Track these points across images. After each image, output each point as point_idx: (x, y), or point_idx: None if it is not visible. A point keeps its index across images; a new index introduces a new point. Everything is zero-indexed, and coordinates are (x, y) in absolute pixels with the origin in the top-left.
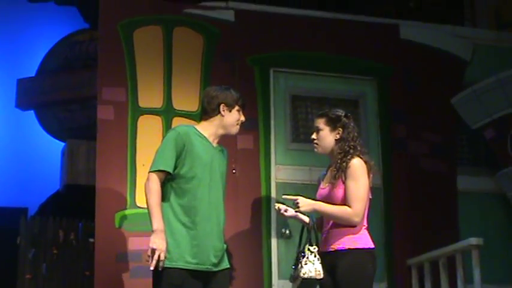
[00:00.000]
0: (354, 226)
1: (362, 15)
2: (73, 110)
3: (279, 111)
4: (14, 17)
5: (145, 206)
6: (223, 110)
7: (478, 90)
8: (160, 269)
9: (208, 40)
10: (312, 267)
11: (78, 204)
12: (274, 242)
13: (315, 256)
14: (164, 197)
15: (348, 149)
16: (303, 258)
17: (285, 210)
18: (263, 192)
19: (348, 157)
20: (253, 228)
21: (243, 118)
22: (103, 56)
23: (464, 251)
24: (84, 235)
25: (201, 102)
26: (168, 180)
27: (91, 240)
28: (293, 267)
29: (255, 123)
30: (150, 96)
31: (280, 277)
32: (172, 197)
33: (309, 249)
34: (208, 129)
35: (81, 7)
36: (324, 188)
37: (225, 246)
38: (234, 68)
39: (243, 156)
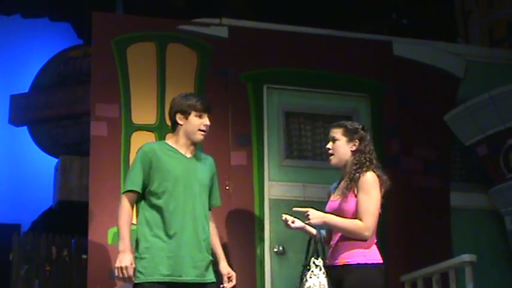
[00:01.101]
0: (364, 240)
1: (355, 32)
2: (66, 126)
3: (273, 128)
4: (7, 33)
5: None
6: (180, 119)
7: (471, 107)
8: (135, 283)
9: (201, 56)
10: (317, 280)
11: (71, 221)
12: (267, 258)
13: (320, 270)
14: (139, 215)
15: (364, 161)
16: (307, 271)
17: (292, 222)
18: (256, 209)
19: (364, 169)
20: (246, 245)
21: (206, 122)
22: (96, 72)
23: (458, 267)
24: (77, 251)
25: None
26: (141, 198)
27: (84, 256)
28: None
29: (249, 139)
30: (143, 112)
31: None
32: (147, 213)
33: (314, 263)
34: (177, 141)
35: (75, 23)
36: (334, 201)
37: (209, 257)
38: (228, 84)
39: (237, 172)
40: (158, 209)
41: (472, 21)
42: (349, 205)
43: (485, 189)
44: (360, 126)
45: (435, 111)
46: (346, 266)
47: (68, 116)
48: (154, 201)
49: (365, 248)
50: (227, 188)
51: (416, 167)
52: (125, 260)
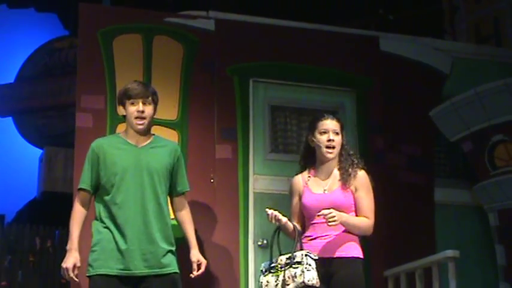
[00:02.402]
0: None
1: (342, 27)
2: (51, 117)
3: (258, 122)
4: None
5: None
6: (121, 111)
7: (456, 103)
8: (86, 276)
9: (188, 49)
10: (315, 274)
11: (55, 212)
12: (251, 251)
13: (314, 264)
14: (95, 209)
15: (354, 158)
16: (299, 264)
17: (275, 216)
18: (241, 202)
19: (356, 166)
20: (230, 238)
21: (139, 108)
22: (82, 64)
23: (441, 263)
24: (60, 243)
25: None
26: (95, 194)
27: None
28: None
29: (234, 133)
30: None
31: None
32: (100, 208)
33: (308, 256)
34: (126, 132)
35: (61, 14)
36: (325, 194)
37: (166, 248)
38: (214, 77)
39: (221, 165)
40: (108, 203)
41: (459, 17)
42: (348, 200)
43: (470, 186)
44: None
45: (421, 107)
46: (340, 259)
47: (53, 107)
48: (104, 195)
49: (357, 243)
50: (212, 181)
51: (401, 163)
52: (68, 260)
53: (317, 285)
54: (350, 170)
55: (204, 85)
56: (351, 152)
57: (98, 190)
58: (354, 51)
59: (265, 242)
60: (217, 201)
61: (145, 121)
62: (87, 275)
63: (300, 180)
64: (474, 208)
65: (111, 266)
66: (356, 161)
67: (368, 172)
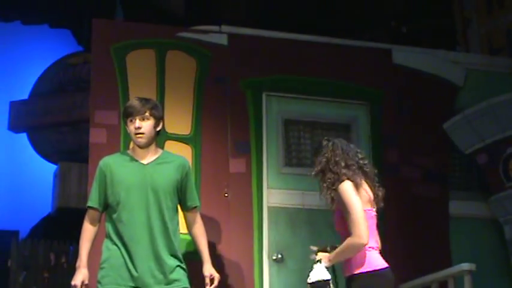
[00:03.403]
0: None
1: (354, 39)
2: (65, 132)
3: (272, 135)
4: (8, 39)
5: None
6: (126, 128)
7: (469, 116)
8: None
9: (201, 63)
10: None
11: (69, 228)
12: (266, 266)
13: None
14: (106, 227)
15: (331, 177)
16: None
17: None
18: (255, 216)
19: (334, 185)
20: (245, 252)
21: (136, 125)
22: (96, 79)
23: (457, 276)
24: (75, 259)
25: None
26: (104, 211)
27: None
28: None
29: (248, 147)
30: None
31: None
32: (108, 225)
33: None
34: (133, 149)
35: (75, 30)
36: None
37: (174, 263)
38: (227, 91)
39: (235, 180)
40: (115, 221)
41: (472, 29)
42: (337, 216)
43: (485, 198)
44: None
45: (434, 120)
46: (350, 277)
47: (67, 123)
48: (112, 213)
49: (361, 257)
50: (226, 195)
51: (415, 176)
52: (77, 277)
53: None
54: (329, 190)
55: (217, 99)
56: (334, 169)
57: (107, 208)
58: (367, 64)
59: (279, 256)
60: (232, 215)
61: (144, 135)
62: None
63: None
64: (489, 221)
65: (120, 283)
66: (334, 180)
67: (348, 178)
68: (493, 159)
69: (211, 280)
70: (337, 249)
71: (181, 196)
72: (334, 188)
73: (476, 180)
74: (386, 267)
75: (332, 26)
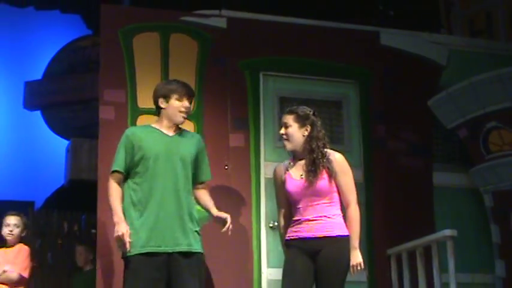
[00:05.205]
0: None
1: (345, 23)
2: (76, 110)
3: (268, 112)
4: (22, 24)
5: None
6: (162, 103)
7: (452, 93)
8: (126, 252)
9: (202, 46)
10: None
11: (81, 198)
12: (263, 233)
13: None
14: (125, 194)
15: (322, 146)
16: None
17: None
18: (253, 187)
19: (326, 153)
20: (244, 221)
21: (186, 104)
22: (104, 61)
23: (440, 241)
24: (86, 226)
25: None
26: (126, 178)
27: (93, 231)
28: None
29: (246, 123)
30: (148, 97)
31: (269, 266)
32: (131, 192)
33: None
34: (160, 123)
35: (84, 15)
36: (300, 180)
37: (194, 228)
38: (226, 71)
39: (235, 153)
40: (141, 186)
41: (454, 13)
42: (322, 183)
43: (466, 169)
44: (311, 112)
45: (419, 97)
46: (325, 238)
47: (78, 101)
48: (137, 179)
49: (341, 222)
50: (226, 167)
51: (401, 149)
52: (120, 228)
53: None
54: (320, 157)
55: (217, 79)
56: (320, 141)
57: (129, 175)
58: (357, 46)
59: (276, 224)
60: (232, 186)
61: (187, 115)
62: (121, 257)
63: (281, 167)
64: (470, 190)
65: (143, 245)
66: (323, 153)
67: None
68: (473, 133)
69: (224, 220)
70: (353, 229)
71: (194, 169)
72: (327, 154)
73: (458, 153)
74: None
75: (324, 10)
